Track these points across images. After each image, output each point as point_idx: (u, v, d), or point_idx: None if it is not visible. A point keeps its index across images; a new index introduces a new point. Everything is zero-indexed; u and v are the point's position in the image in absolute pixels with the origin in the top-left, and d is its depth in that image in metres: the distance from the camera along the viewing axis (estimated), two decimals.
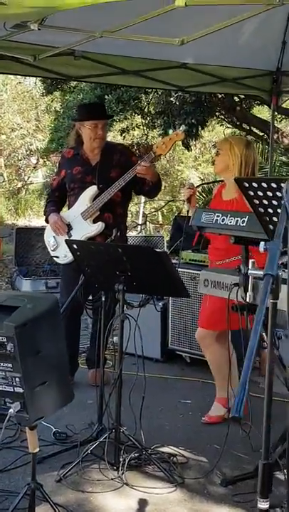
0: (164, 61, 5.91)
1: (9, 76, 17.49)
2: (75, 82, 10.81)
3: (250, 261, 3.08)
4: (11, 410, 2.84)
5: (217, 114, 10.60)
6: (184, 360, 5.93)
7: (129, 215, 8.13)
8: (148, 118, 10.77)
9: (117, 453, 3.85)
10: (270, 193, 2.97)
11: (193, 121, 9.10)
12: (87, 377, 5.25)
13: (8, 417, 2.85)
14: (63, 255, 5.16)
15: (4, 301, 2.96)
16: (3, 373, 2.86)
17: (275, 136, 9.14)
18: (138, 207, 14.88)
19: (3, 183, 18.45)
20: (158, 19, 3.46)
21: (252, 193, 3.06)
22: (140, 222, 12.76)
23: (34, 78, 16.02)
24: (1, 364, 2.85)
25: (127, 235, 5.78)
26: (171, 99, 9.08)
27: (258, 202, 3.05)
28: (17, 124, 19.66)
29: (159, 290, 4.24)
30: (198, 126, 9.39)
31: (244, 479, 3.74)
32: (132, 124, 11.55)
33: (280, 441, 3.48)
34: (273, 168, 8.96)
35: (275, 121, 9.31)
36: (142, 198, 13.58)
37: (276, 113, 8.37)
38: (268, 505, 2.14)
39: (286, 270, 2.72)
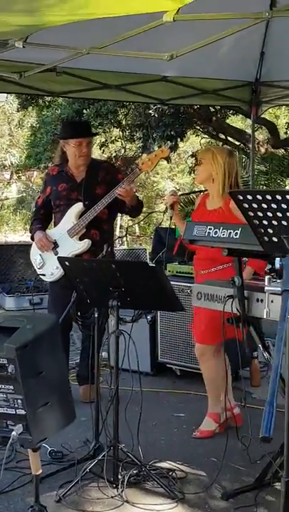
0: (146, 75, 5.94)
1: None
2: (50, 97, 10.78)
3: (266, 277, 3.06)
4: (13, 433, 2.80)
5: (194, 125, 10.66)
6: (174, 373, 5.90)
7: None
8: (127, 131, 10.80)
9: (116, 470, 3.81)
10: (264, 205, 2.98)
11: (172, 133, 9.18)
12: (78, 394, 5.19)
13: (10, 440, 2.81)
14: (50, 273, 5.13)
15: (2, 323, 2.93)
16: (5, 395, 2.83)
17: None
18: (116, 219, 14.85)
19: None
20: (143, 34, 3.45)
21: (246, 206, 3.06)
22: (118, 235, 12.75)
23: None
24: (3, 386, 2.82)
25: None
26: (150, 111, 9.13)
27: (252, 214, 3.05)
28: None
29: (153, 305, 4.23)
30: (178, 138, 9.45)
31: (244, 492, 3.72)
32: (111, 137, 11.56)
33: (280, 453, 3.48)
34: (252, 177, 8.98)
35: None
36: None
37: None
38: None
39: None
